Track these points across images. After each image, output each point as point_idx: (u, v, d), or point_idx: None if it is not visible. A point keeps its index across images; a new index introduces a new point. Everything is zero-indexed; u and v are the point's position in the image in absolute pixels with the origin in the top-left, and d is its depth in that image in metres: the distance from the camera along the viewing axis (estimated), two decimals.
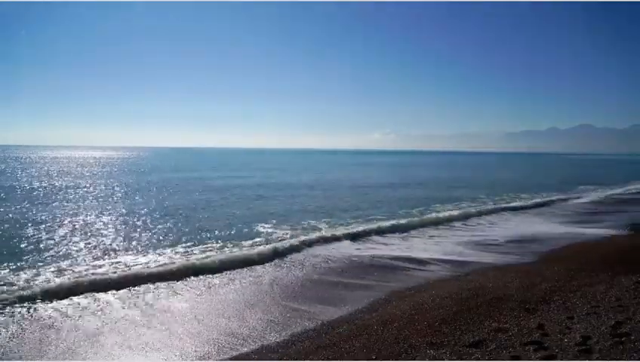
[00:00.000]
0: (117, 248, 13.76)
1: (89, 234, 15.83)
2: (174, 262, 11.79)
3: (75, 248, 13.55)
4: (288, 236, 15.55)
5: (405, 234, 16.34)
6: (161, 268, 11.13)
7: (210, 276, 10.79)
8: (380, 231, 16.30)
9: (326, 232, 16.01)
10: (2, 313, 8.18)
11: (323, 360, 6.26)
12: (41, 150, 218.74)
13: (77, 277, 10.30)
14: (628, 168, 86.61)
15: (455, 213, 20.70)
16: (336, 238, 15.00)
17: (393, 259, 12.46)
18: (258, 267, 11.70)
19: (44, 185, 34.92)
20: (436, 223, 18.46)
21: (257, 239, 15.10)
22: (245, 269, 11.43)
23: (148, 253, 13.12)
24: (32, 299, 8.87)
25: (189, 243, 14.34)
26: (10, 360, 6.52)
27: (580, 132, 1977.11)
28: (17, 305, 8.51)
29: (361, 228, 16.79)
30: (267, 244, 13.97)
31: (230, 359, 6.57)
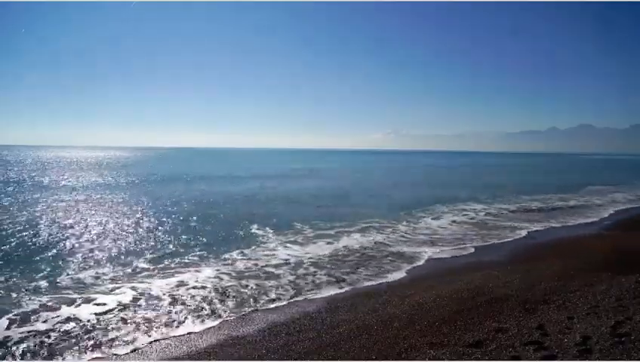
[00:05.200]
0: None
1: None
2: None
3: None
4: None
5: None
6: None
7: None
8: None
9: None
10: None
11: (323, 360, 6.26)
12: (44, 150, 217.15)
13: None
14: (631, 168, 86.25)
15: None
16: None
17: None
18: None
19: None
20: None
21: None
22: None
23: None
24: None
25: None
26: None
27: (579, 132, 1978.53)
28: None
29: None
30: None
31: (230, 359, 6.57)
